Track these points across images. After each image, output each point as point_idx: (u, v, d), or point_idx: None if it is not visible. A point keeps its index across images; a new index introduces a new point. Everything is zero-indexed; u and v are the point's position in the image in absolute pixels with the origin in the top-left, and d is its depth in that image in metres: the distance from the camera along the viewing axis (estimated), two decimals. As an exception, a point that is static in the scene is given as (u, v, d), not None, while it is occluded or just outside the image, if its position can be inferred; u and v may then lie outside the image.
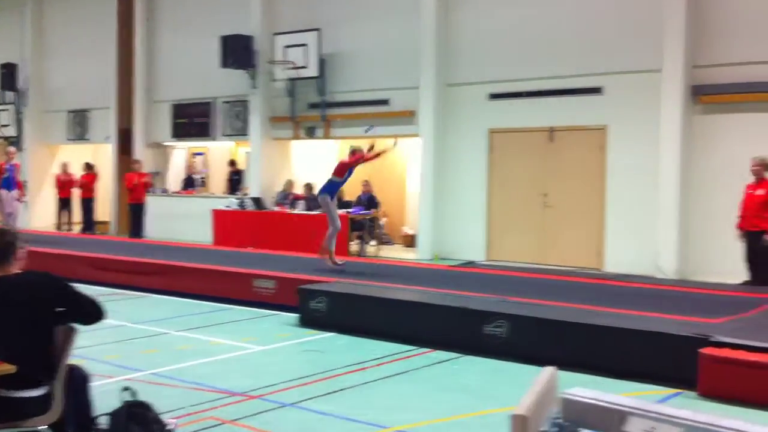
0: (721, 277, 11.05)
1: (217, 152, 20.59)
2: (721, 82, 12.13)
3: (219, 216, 16.84)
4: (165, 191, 19.81)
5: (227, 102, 18.63)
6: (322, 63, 16.37)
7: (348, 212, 15.32)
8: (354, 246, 15.49)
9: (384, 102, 15.90)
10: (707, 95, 12.27)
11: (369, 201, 15.82)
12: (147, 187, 18.26)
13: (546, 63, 13.77)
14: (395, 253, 15.96)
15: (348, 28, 16.32)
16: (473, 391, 6.52)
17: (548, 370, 2.87)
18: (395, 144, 12.01)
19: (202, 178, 20.61)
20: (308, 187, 16.52)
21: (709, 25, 12.24)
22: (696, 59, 12.33)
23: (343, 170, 10.95)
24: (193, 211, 18.15)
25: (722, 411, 5.79)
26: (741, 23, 11.98)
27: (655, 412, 2.49)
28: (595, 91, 13.33)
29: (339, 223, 11.08)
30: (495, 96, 14.44)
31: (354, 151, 11.10)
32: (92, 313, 4.41)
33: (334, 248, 11.09)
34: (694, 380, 6.23)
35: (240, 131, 18.45)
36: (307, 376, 6.82)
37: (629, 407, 2.58)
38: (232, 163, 19.50)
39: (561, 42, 13.64)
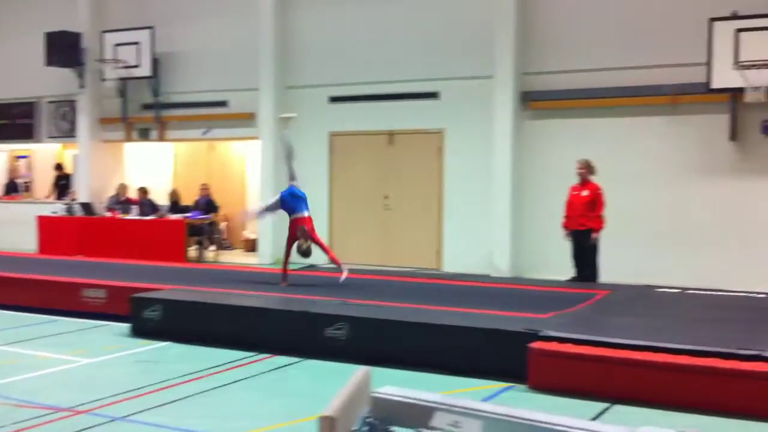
0: (551, 274, 11.58)
1: (43, 155, 19.40)
2: (549, 88, 12.72)
3: (44, 222, 15.90)
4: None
5: (53, 102, 17.63)
6: (155, 62, 15.81)
7: (185, 217, 14.89)
8: (192, 252, 15.07)
9: (222, 104, 15.56)
10: (536, 101, 12.83)
11: (207, 205, 15.44)
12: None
13: (385, 67, 13.95)
14: (236, 258, 15.66)
15: (183, 26, 15.86)
16: (311, 395, 6.45)
17: (361, 371, 2.88)
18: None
19: (26, 182, 19.37)
20: (143, 191, 15.91)
21: (538, 35, 12.80)
22: (525, 67, 12.86)
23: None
24: (16, 218, 17.02)
25: (550, 402, 6.04)
26: (567, 33, 12.62)
27: (459, 407, 2.56)
28: (432, 95, 13.64)
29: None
30: (335, 99, 14.47)
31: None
32: None
33: None
34: (524, 374, 6.45)
35: (67, 133, 17.50)
36: (139, 388, 6.53)
37: (435, 403, 2.63)
38: (59, 166, 18.46)
39: (399, 47, 13.86)
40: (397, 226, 14.00)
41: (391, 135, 14.09)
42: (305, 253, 9.77)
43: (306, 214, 9.83)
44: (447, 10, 13.48)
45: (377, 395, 2.81)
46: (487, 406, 2.53)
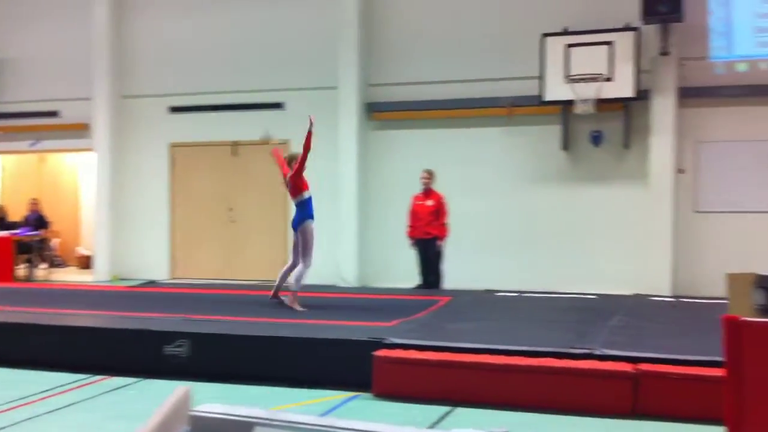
0: (397, 283, 11.72)
1: None
2: (392, 100, 12.90)
3: None
4: None
5: None
6: (-19, 70, 14.80)
7: (13, 234, 13.98)
8: (21, 270, 14.15)
9: (53, 114, 14.72)
10: (380, 112, 12.98)
11: (37, 221, 14.55)
12: None
13: (229, 77, 13.68)
14: (69, 275, 14.85)
15: (11, 32, 14.91)
16: (148, 415, 6.14)
17: (180, 389, 2.78)
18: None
19: None
20: None
21: (381, 47, 12.96)
22: (369, 78, 12.99)
23: (301, 181, 9.16)
24: None
25: (394, 409, 6.07)
26: (410, 46, 12.84)
27: (280, 420, 2.53)
28: (277, 106, 13.51)
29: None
30: (176, 109, 14.04)
31: (291, 158, 9.35)
32: None
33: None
34: (371, 383, 6.45)
35: None
36: (-41, 418, 6.02)
37: (255, 418, 2.58)
38: None
39: (243, 57, 13.64)
40: (243, 239, 13.74)
41: (235, 146, 13.82)
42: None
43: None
44: (291, 20, 13.41)
45: (195, 414, 2.72)
46: (309, 419, 2.50)
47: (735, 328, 2.94)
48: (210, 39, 13.83)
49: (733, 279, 6.54)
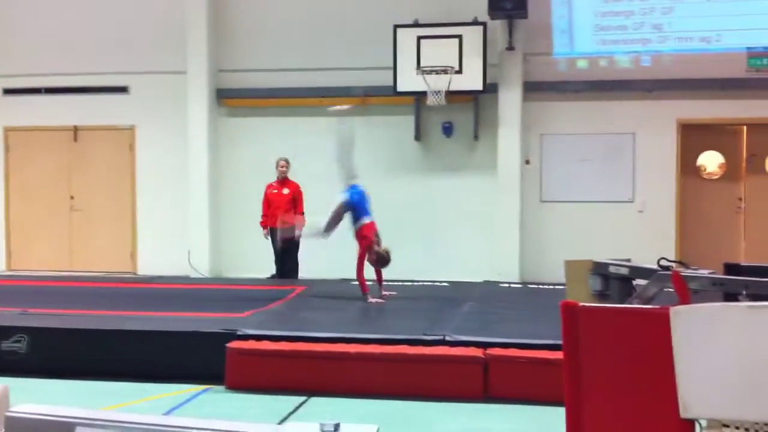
0: (252, 273, 11.54)
1: None
2: (244, 87, 12.65)
3: None
4: None
5: None
6: None
7: None
8: None
9: None
10: (231, 99, 12.71)
11: None
12: None
13: (69, 58, 12.94)
14: None
15: None
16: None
17: None
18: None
19: None
20: None
21: (232, 33, 12.66)
22: (220, 64, 12.68)
23: None
24: None
25: (246, 401, 5.99)
26: (262, 32, 12.61)
27: (104, 420, 2.43)
28: (122, 90, 12.95)
29: None
30: (9, 91, 13.19)
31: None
32: None
33: None
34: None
35: None
36: None
37: (77, 418, 2.47)
38: None
39: (84, 37, 12.94)
40: (86, 228, 13.08)
41: (76, 131, 13.14)
42: (385, 260, 8.38)
43: (372, 218, 8.52)
44: (139, 1, 12.88)
45: (12, 414, 2.55)
46: (135, 417, 2.41)
47: (572, 313, 3.06)
48: (50, 18, 13.04)
49: (571, 266, 6.83)
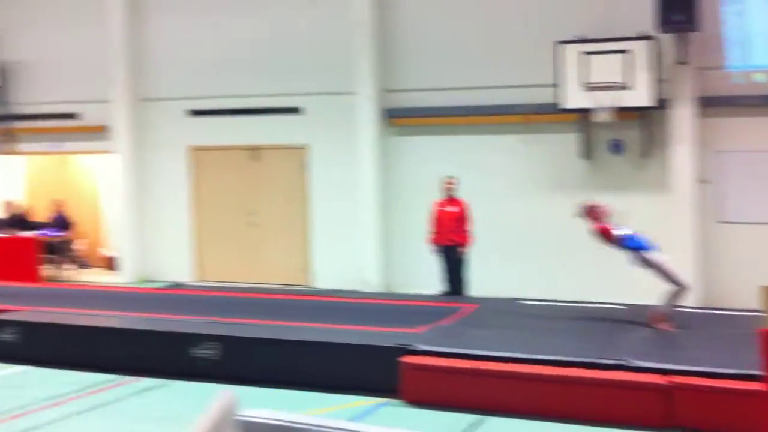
0: (420, 289, 11.76)
1: None
2: (410, 105, 12.98)
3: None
4: None
5: None
6: (2, 71, 14.95)
7: (39, 234, 14.15)
8: (47, 270, 14.31)
9: (73, 116, 14.85)
10: (398, 118, 13.06)
11: (62, 222, 14.71)
12: None
13: (248, 81, 13.76)
14: (95, 276, 14.98)
15: (32, 34, 15.03)
16: (178, 417, 6.29)
17: (224, 393, 2.86)
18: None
19: None
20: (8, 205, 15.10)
21: (399, 53, 13.02)
22: (388, 84, 13.06)
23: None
24: None
25: (424, 417, 6.16)
26: (427, 53, 12.88)
27: (329, 427, 2.59)
28: (297, 110, 13.62)
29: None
30: (196, 113, 14.16)
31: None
32: None
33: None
34: (399, 389, 6.54)
35: None
36: (-5, 417, 6.17)
37: (305, 424, 2.65)
38: None
39: (261, 61, 13.72)
40: (263, 242, 13.84)
41: (254, 150, 13.95)
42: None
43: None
44: (310, 25, 13.49)
45: (244, 419, 2.78)
46: (359, 426, 2.57)
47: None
48: (229, 42, 13.90)
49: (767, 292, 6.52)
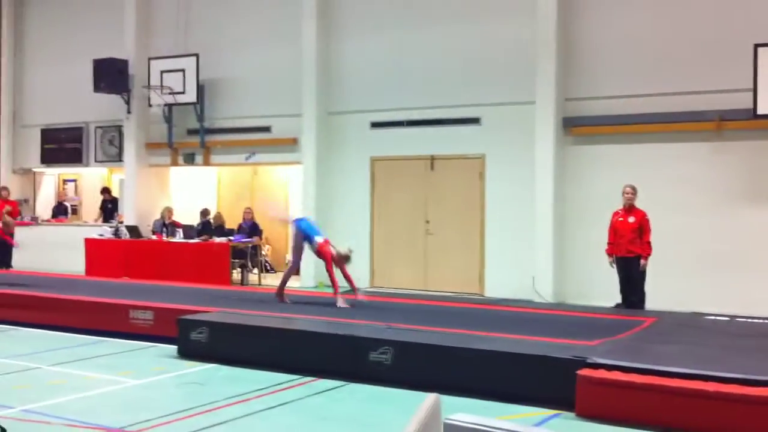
0: (594, 301, 11.48)
1: (90, 179, 19.84)
2: (590, 114, 12.70)
3: (92, 245, 16.19)
4: (35, 219, 18.87)
5: (100, 127, 18.03)
6: (200, 89, 16.11)
7: (230, 240, 15.07)
8: (236, 274, 15.22)
9: (266, 129, 15.78)
10: (578, 127, 12.81)
11: (251, 228, 15.60)
12: (15, 215, 17.38)
13: (426, 93, 14.04)
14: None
15: (227, 54, 16.15)
16: (357, 419, 6.49)
17: (431, 397, 2.88)
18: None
19: (74, 205, 19.78)
20: (204, 213, 16.20)
21: (579, 60, 12.81)
22: (567, 92, 12.86)
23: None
24: (64, 240, 17.36)
25: (597, 430, 5.99)
26: (609, 59, 12.61)
27: None
28: (474, 121, 13.68)
29: None
30: (376, 125, 14.59)
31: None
32: None
33: None
34: (573, 401, 6.41)
35: (114, 157, 17.88)
36: (186, 410, 6.60)
37: (510, 431, 2.62)
38: (106, 190, 18.81)
39: (440, 73, 13.95)
40: (439, 251, 14.00)
41: (432, 160, 14.14)
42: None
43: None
44: (487, 35, 13.55)
45: (450, 422, 2.81)
46: None
47: None
48: (409, 56, 14.25)
49: None
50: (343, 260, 10.20)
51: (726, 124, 11.68)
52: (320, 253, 10.26)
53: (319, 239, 10.28)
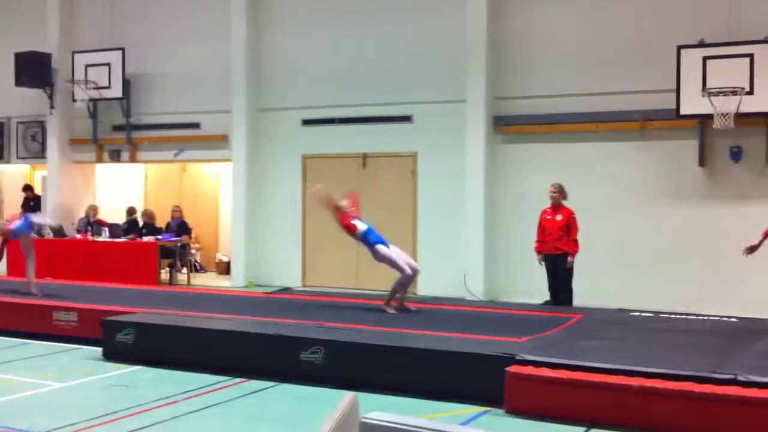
0: (525, 298, 11.64)
1: (11, 176, 19.17)
2: (520, 113, 12.85)
3: (14, 244, 15.61)
4: (-50, 218, 18.19)
5: (22, 122, 17.46)
6: (127, 83, 15.74)
7: (158, 239, 14.78)
8: (164, 274, 14.94)
9: (195, 125, 15.50)
10: (508, 125, 12.95)
11: (179, 227, 15.32)
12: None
13: (358, 91, 14.01)
14: (208, 280, 15.54)
15: (155, 48, 15.82)
16: (286, 419, 6.45)
17: (348, 396, 2.86)
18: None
19: (-6, 203, 19.11)
20: (130, 211, 15.85)
21: (510, 60, 12.95)
22: (498, 91, 12.99)
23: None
24: (-17, 240, 16.75)
25: (527, 427, 6.07)
26: (539, 59, 12.78)
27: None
28: (406, 119, 13.71)
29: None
30: (308, 122, 14.49)
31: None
32: None
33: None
34: (502, 398, 6.47)
35: (36, 154, 17.33)
36: (112, 413, 6.46)
37: (427, 428, 2.62)
38: (28, 187, 18.20)
39: (373, 71, 13.94)
40: (371, 250, 13.97)
41: (364, 158, 14.13)
42: None
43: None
44: (420, 34, 13.60)
45: (367, 421, 2.79)
46: None
47: None
48: (342, 53, 14.21)
49: None
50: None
51: (650, 124, 11.97)
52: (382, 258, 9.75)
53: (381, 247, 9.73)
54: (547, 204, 11.08)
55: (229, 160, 15.07)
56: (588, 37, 12.51)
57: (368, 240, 9.78)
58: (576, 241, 10.77)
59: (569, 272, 10.77)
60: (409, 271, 9.62)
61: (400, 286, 9.71)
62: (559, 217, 10.83)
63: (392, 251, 9.76)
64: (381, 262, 9.83)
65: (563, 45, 12.64)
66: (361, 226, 9.83)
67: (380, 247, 9.72)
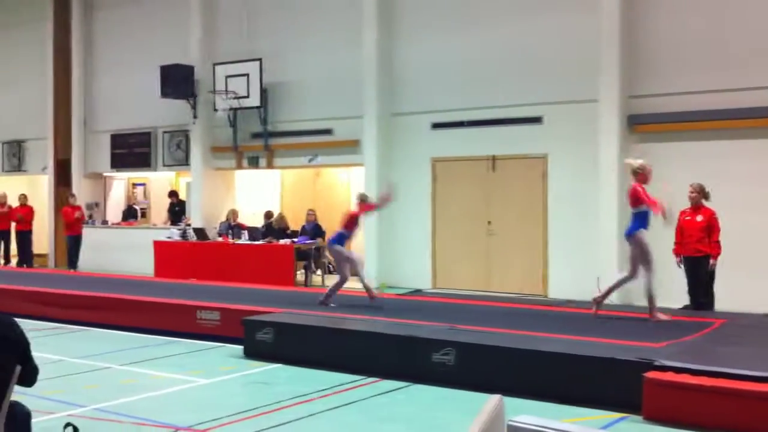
0: (662, 302, 11.23)
1: (158, 183, 20.33)
2: (655, 111, 12.46)
3: (160, 247, 16.56)
4: (105, 222, 19.43)
5: (168, 132, 18.44)
6: (264, 93, 16.35)
7: (293, 242, 15.25)
8: (299, 276, 15.39)
9: (328, 131, 15.92)
10: (642, 124, 12.58)
11: (314, 230, 15.76)
12: (82, 220, 17.98)
13: (487, 93, 13.97)
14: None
15: (290, 58, 16.35)
16: (419, 420, 6.51)
17: (494, 398, 2.87)
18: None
19: (143, 209, 20.28)
20: (267, 215, 16.45)
21: (644, 57, 12.58)
22: (631, 90, 12.65)
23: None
24: (133, 243, 17.84)
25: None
26: (673, 55, 12.36)
27: None
28: (536, 120, 13.56)
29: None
30: (438, 125, 14.58)
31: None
32: (34, 378, 4.35)
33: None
34: (639, 404, 6.31)
35: (181, 161, 18.27)
36: (252, 409, 6.73)
37: None
38: (173, 193, 19.25)
39: (502, 73, 13.87)
40: (501, 252, 13.91)
41: (493, 160, 14.07)
42: None
43: None
44: (549, 34, 13.42)
45: (513, 424, 2.80)
46: None
47: None
48: (471, 56, 14.21)
49: None
50: None
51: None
52: None
53: None
54: (684, 204, 10.65)
55: (360, 164, 15.37)
56: (722, 31, 11.98)
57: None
58: (718, 242, 10.30)
59: (710, 276, 10.33)
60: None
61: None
62: (699, 218, 10.39)
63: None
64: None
65: (699, 40, 12.17)
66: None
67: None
